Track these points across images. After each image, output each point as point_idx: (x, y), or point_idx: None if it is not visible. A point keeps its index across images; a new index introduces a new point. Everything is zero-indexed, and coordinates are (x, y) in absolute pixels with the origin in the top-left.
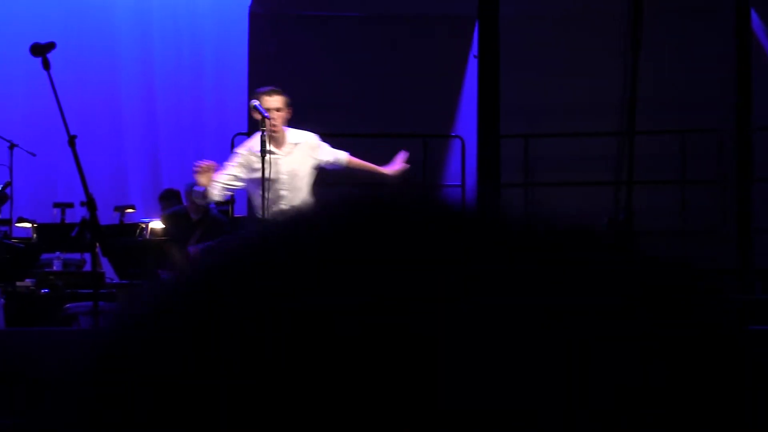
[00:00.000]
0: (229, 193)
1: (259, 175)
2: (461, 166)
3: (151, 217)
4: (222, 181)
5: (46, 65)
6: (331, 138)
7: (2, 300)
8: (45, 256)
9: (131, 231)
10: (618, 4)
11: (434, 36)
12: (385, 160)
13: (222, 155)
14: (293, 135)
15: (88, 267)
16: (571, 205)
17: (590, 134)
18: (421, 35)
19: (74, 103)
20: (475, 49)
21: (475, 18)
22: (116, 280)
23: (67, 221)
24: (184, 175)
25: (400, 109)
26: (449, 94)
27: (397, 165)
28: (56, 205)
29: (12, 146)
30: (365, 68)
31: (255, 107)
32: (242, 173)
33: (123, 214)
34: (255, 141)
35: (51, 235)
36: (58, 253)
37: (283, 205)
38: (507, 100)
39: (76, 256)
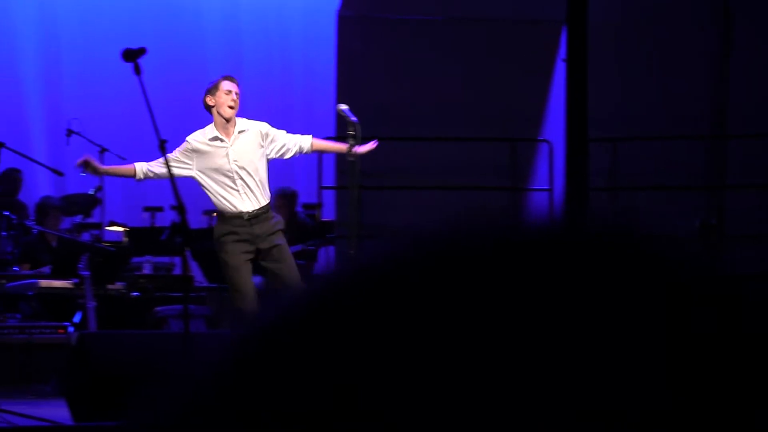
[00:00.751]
0: (152, 174)
1: (207, 164)
2: (549, 170)
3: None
4: (172, 161)
5: (137, 70)
6: (416, 142)
7: (94, 303)
8: (135, 259)
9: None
10: (707, 7)
11: (522, 40)
12: (473, 165)
13: (309, 160)
14: (241, 123)
15: (177, 270)
16: (658, 209)
17: (678, 138)
18: (508, 39)
19: (163, 107)
20: (563, 53)
21: (563, 22)
22: (205, 283)
23: (156, 225)
24: (273, 179)
25: (488, 113)
26: (537, 98)
27: (367, 147)
28: (146, 209)
29: (102, 151)
30: (452, 71)
31: (344, 111)
32: (186, 160)
33: (211, 217)
34: (203, 131)
35: (141, 238)
36: (148, 256)
37: (237, 197)
38: (594, 104)
39: (166, 259)
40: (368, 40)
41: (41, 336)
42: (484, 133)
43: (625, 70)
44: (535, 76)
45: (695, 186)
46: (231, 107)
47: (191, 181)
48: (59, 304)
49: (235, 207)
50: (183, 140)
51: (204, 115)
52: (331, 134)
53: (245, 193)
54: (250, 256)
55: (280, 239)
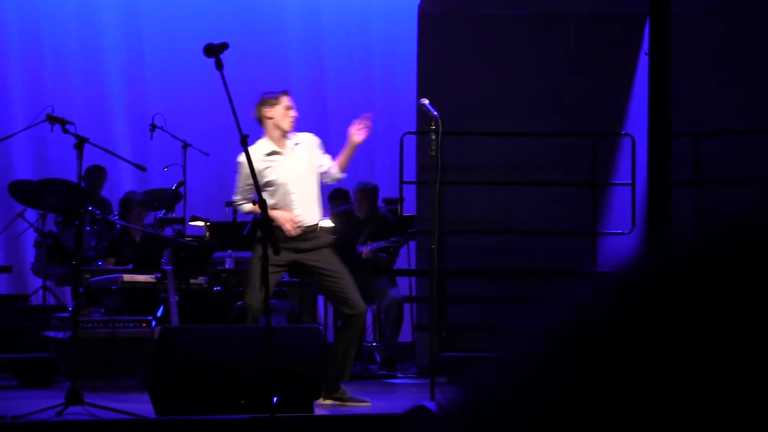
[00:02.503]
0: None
1: (262, 179)
2: (631, 165)
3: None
4: (242, 195)
5: (219, 66)
6: (497, 137)
7: (176, 297)
8: (217, 254)
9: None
10: None
11: (604, 34)
12: (554, 160)
13: (391, 155)
14: (294, 136)
15: None
16: (743, 203)
17: (765, 132)
18: (590, 33)
19: (245, 102)
20: (646, 46)
21: (646, 16)
22: (286, 278)
23: (238, 220)
24: (352, 174)
25: (569, 108)
26: (619, 92)
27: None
28: (228, 204)
29: (185, 146)
30: (534, 67)
31: (425, 106)
32: (250, 180)
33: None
34: (257, 145)
35: (223, 233)
36: (230, 251)
37: (295, 209)
38: (678, 97)
39: (247, 254)
40: (449, 36)
41: (124, 330)
42: (565, 127)
43: (709, 62)
44: (617, 70)
45: None
46: (292, 120)
47: None
48: (142, 299)
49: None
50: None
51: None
52: (412, 129)
53: (297, 207)
54: (283, 267)
55: (329, 249)
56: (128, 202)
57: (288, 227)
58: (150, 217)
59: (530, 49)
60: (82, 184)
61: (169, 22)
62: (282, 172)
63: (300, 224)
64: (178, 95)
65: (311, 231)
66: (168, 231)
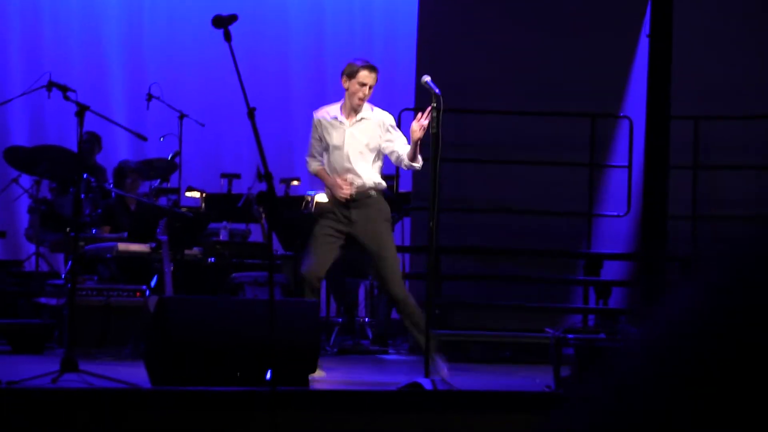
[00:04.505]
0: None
1: (325, 139)
2: (629, 147)
3: (316, 190)
4: (311, 153)
5: (228, 37)
6: (496, 115)
7: (171, 267)
8: (212, 225)
9: (296, 203)
10: None
11: (605, 14)
12: (550, 139)
13: None
14: (366, 110)
15: (253, 237)
16: (740, 188)
17: (765, 117)
18: (591, 13)
19: (243, 75)
20: (646, 28)
21: None
22: (281, 251)
23: (233, 192)
24: None
25: (568, 88)
26: (618, 74)
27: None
28: (223, 175)
29: (182, 116)
30: (534, 45)
31: (427, 83)
32: (319, 136)
33: (288, 186)
34: (331, 106)
35: (218, 205)
36: (224, 222)
37: (347, 174)
38: (677, 80)
39: (242, 226)
40: (449, 13)
41: (118, 299)
42: (564, 108)
43: (710, 45)
44: (618, 51)
45: None
46: (360, 99)
47: (267, 148)
48: (136, 268)
49: None
50: (258, 107)
51: (274, 89)
52: (411, 106)
53: (351, 177)
54: (339, 237)
55: (381, 228)
56: (122, 171)
57: (339, 193)
58: (145, 187)
59: (530, 28)
60: (82, 150)
61: None
62: (339, 140)
63: (350, 185)
64: (176, 65)
65: (364, 204)
66: (163, 201)
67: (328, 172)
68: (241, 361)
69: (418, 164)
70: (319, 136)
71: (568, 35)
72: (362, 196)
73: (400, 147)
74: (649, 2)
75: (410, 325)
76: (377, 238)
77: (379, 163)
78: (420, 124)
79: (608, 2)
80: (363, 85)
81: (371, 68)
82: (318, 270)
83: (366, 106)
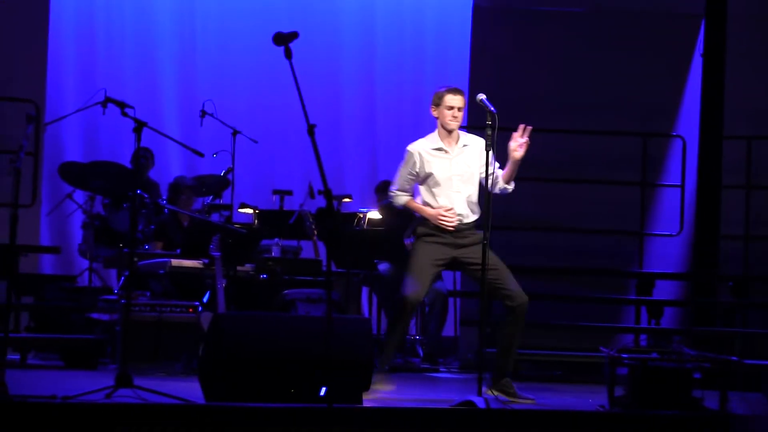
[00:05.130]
0: (410, 192)
1: (426, 172)
2: (681, 166)
3: (368, 207)
4: (401, 186)
5: (288, 54)
6: (549, 134)
7: (224, 283)
8: (264, 242)
9: (349, 220)
10: None
11: (659, 33)
12: (604, 158)
13: None
14: (465, 137)
15: (305, 254)
16: None
17: None
18: (646, 32)
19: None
20: (700, 47)
21: (702, 16)
22: (333, 268)
23: (285, 208)
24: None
25: (622, 106)
26: (672, 93)
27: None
28: (275, 192)
29: (234, 133)
30: (588, 64)
31: (482, 101)
32: (414, 171)
33: (340, 203)
34: (427, 139)
35: (270, 221)
36: (276, 239)
37: (455, 208)
38: (731, 100)
39: (294, 242)
40: (503, 31)
41: (171, 314)
42: (617, 126)
43: (763, 65)
44: (671, 70)
45: None
46: (453, 121)
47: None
48: (189, 284)
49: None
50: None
51: (325, 106)
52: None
53: (456, 206)
54: (444, 261)
55: (481, 250)
56: (177, 187)
57: (443, 223)
58: (197, 203)
59: (583, 46)
60: (137, 166)
61: (222, 8)
62: (445, 170)
63: (453, 215)
64: (229, 82)
65: (468, 229)
66: (215, 217)
67: (429, 203)
68: (295, 378)
69: (512, 186)
70: (416, 170)
71: (621, 53)
72: (464, 227)
73: (497, 170)
74: (703, 22)
75: (509, 332)
76: (489, 258)
77: (477, 191)
78: (518, 143)
79: (663, 21)
80: (451, 108)
81: (456, 90)
82: (422, 295)
83: (464, 134)
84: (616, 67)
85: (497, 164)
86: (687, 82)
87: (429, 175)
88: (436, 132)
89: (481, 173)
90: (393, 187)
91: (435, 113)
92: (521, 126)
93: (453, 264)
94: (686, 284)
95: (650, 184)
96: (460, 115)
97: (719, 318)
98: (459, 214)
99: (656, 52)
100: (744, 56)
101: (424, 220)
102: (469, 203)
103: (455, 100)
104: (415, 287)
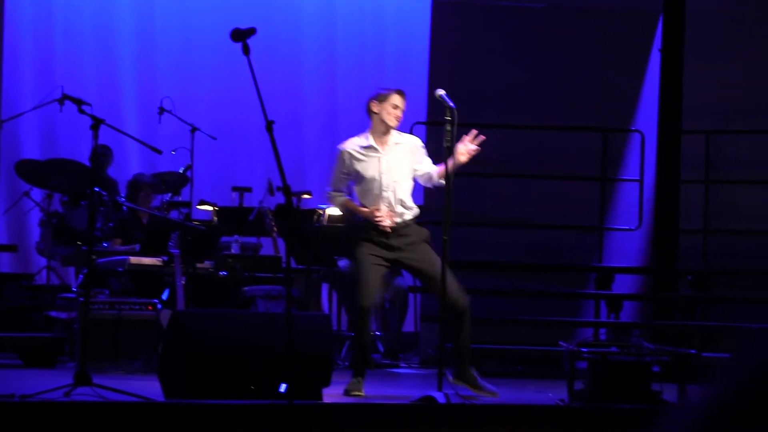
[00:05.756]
0: (346, 192)
1: (357, 171)
2: (640, 161)
3: (327, 204)
4: (335, 186)
5: (246, 50)
6: (508, 129)
7: (183, 280)
8: (223, 239)
9: (308, 217)
10: None
11: (617, 29)
12: (563, 154)
13: None
14: (396, 135)
15: (264, 251)
16: (752, 203)
17: None
18: (604, 27)
19: (252, 90)
20: (658, 43)
21: (660, 12)
22: (293, 265)
23: (245, 205)
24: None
25: (580, 102)
26: (630, 88)
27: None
28: (235, 189)
29: (193, 130)
30: (546, 60)
31: (441, 97)
32: (346, 170)
33: (300, 200)
34: (359, 137)
35: (230, 218)
36: (236, 236)
37: (384, 206)
38: (689, 95)
39: (253, 239)
40: (462, 26)
41: (130, 312)
42: (576, 122)
43: (721, 60)
44: (630, 65)
45: None
46: (395, 120)
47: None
48: (148, 281)
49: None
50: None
51: (285, 103)
52: (422, 118)
53: (388, 205)
54: (385, 264)
55: (424, 248)
56: (136, 184)
57: (379, 224)
58: (156, 200)
59: (543, 42)
60: (95, 164)
61: (181, 5)
62: (375, 169)
63: (387, 215)
64: (188, 79)
65: (406, 227)
66: (174, 214)
67: (362, 203)
68: (255, 374)
69: (442, 182)
70: (347, 170)
71: (580, 49)
72: (401, 225)
73: (430, 167)
74: (661, 17)
75: (459, 338)
76: (425, 261)
77: (411, 186)
78: (467, 148)
79: (621, 17)
80: (396, 107)
81: (402, 93)
82: (375, 299)
83: (397, 133)
84: (574, 62)
85: (430, 160)
86: (645, 78)
87: (359, 174)
88: (368, 130)
89: (414, 170)
90: (328, 188)
91: (375, 108)
92: (473, 131)
93: (396, 265)
94: (645, 278)
95: (610, 179)
96: (400, 116)
97: (678, 312)
98: (394, 213)
99: (615, 48)
100: (702, 51)
101: (361, 222)
102: (402, 201)
103: (401, 102)
104: (365, 294)
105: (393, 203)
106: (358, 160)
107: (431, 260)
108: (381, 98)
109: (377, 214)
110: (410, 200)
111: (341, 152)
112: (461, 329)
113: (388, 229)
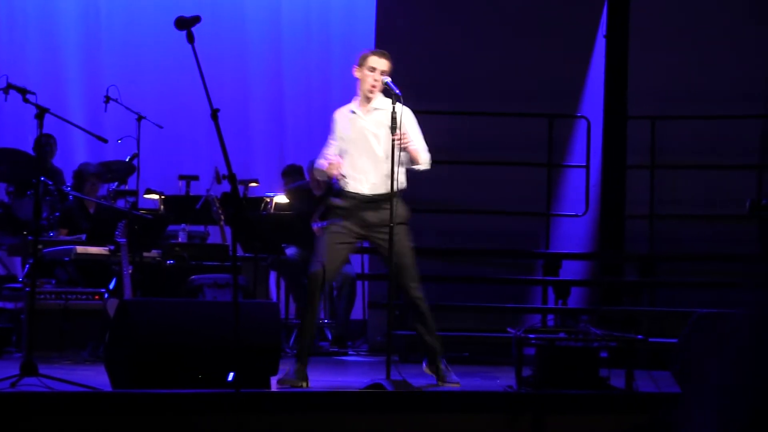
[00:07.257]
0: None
1: (341, 133)
2: (586, 147)
3: (275, 191)
4: (323, 152)
5: (191, 38)
6: (456, 116)
7: (130, 269)
8: (171, 227)
9: (255, 205)
10: None
11: (562, 14)
12: (508, 140)
13: None
14: (380, 101)
15: (212, 239)
16: (698, 189)
17: (724, 117)
18: (549, 13)
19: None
20: (603, 28)
21: None
22: (240, 253)
23: (191, 194)
24: (307, 151)
25: (526, 88)
26: (575, 74)
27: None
28: (181, 177)
29: (140, 118)
30: (491, 45)
31: (387, 84)
32: (335, 136)
33: (247, 188)
34: (349, 104)
35: (177, 207)
36: (183, 225)
37: (357, 176)
38: (634, 80)
39: (200, 228)
40: (407, 14)
41: (77, 302)
42: (521, 108)
43: (667, 46)
44: (575, 51)
45: (741, 165)
46: (372, 86)
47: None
48: (95, 271)
49: (351, 185)
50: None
51: (232, 91)
52: None
53: (365, 173)
54: (352, 240)
55: (398, 231)
56: (82, 174)
57: (330, 171)
58: (103, 189)
59: (487, 28)
60: (40, 153)
61: None
62: (353, 133)
63: (338, 163)
64: (133, 68)
65: (379, 201)
66: (121, 203)
67: (347, 171)
68: (203, 363)
69: (424, 166)
70: (336, 135)
71: (524, 36)
72: (378, 197)
73: (419, 144)
74: (606, 3)
75: (423, 329)
76: (395, 251)
77: (398, 157)
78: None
79: (564, 3)
80: (373, 69)
81: (380, 53)
82: (326, 273)
83: (381, 98)
84: (520, 48)
85: (420, 137)
86: (590, 63)
87: (342, 140)
88: (357, 96)
89: (390, 137)
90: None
91: (357, 74)
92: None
93: (364, 240)
94: (592, 264)
95: (556, 165)
96: (381, 79)
97: (625, 297)
98: (372, 183)
99: (559, 33)
100: (647, 36)
101: (337, 196)
102: (378, 171)
103: (379, 63)
104: (319, 263)
105: (371, 171)
106: (343, 124)
107: (401, 250)
108: (360, 62)
109: (332, 161)
110: (395, 172)
111: (333, 116)
112: (426, 327)
113: (336, 172)
